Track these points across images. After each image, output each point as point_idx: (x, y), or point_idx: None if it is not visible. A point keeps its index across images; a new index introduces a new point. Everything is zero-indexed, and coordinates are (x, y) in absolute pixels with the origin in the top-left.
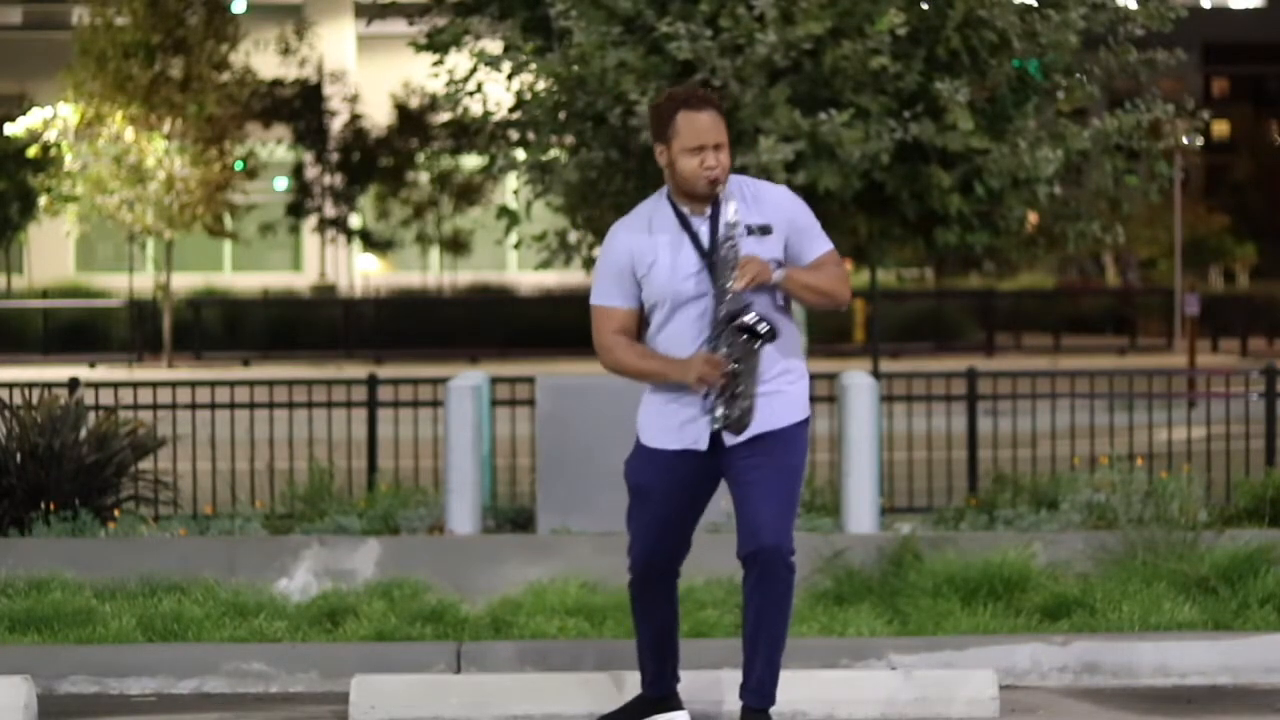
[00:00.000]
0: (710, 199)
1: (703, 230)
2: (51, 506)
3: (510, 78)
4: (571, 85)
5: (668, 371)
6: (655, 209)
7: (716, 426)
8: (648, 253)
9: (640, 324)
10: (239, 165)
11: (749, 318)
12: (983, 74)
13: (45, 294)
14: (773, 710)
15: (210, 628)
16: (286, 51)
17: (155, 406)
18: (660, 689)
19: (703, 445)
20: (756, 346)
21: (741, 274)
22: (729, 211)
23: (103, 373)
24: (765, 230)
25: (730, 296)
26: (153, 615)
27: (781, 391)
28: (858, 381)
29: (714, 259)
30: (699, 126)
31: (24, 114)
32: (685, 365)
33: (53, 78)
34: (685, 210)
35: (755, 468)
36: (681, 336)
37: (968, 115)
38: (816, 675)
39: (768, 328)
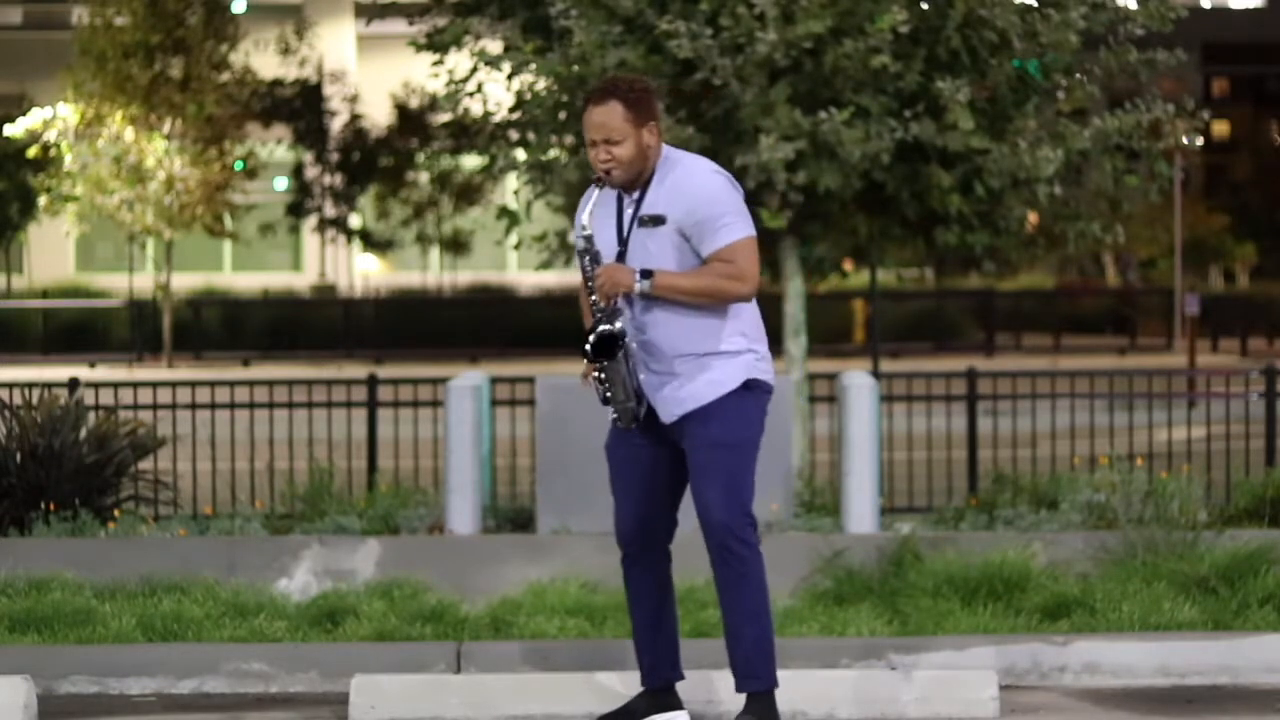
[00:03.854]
0: (624, 186)
1: (627, 215)
2: (51, 506)
3: (510, 78)
4: (572, 85)
5: None
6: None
7: (614, 420)
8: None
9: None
10: (239, 165)
11: (592, 336)
12: (983, 74)
13: (45, 294)
14: None
15: (210, 628)
16: (286, 51)
17: (155, 406)
18: (655, 680)
19: (623, 424)
20: (607, 361)
21: (598, 290)
22: (583, 215)
23: (103, 373)
24: (657, 220)
25: (594, 304)
26: (153, 615)
27: (695, 376)
28: (858, 381)
29: (624, 247)
30: (589, 122)
31: (24, 114)
32: None
33: (53, 78)
34: (622, 192)
35: (694, 449)
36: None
37: (968, 115)
38: (816, 675)
39: (601, 347)
